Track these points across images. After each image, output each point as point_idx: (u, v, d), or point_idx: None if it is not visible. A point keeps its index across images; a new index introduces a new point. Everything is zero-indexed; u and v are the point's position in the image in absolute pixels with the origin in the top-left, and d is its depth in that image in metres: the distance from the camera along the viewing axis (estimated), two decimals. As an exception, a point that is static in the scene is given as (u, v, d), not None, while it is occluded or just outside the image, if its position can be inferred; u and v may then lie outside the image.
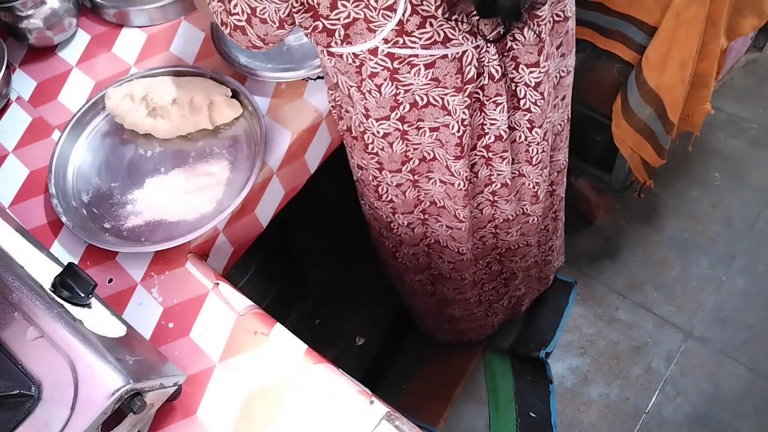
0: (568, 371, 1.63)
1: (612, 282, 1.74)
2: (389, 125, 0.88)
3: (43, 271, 0.79)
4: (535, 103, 0.91)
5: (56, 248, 0.96)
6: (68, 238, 0.97)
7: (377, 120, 0.87)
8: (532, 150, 0.99)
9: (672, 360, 1.61)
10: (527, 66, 0.85)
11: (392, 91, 0.82)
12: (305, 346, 0.84)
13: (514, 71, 0.86)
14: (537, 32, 0.82)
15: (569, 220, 1.45)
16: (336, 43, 0.76)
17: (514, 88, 0.88)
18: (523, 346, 1.67)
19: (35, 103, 1.13)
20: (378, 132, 0.90)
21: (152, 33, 1.19)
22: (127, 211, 0.98)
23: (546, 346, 1.63)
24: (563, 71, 0.96)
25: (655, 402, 1.56)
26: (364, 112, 0.87)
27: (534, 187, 1.07)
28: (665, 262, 1.76)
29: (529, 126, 0.94)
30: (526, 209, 1.13)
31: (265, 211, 1.03)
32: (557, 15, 0.85)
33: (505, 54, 0.84)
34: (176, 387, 0.78)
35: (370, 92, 0.82)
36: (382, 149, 0.94)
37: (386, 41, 0.75)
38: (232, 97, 1.04)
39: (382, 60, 0.77)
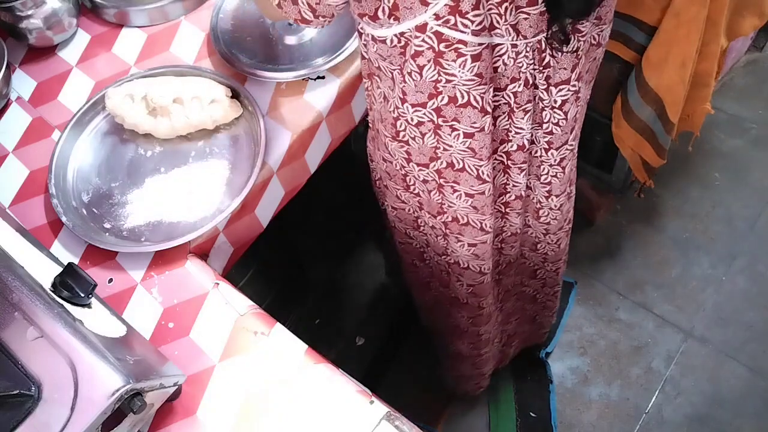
0: (568, 371, 1.63)
1: (612, 282, 1.74)
2: (424, 114, 0.84)
3: (43, 271, 0.79)
4: (557, 123, 0.89)
5: (56, 248, 0.96)
6: (68, 238, 0.97)
7: (413, 105, 0.84)
8: (543, 169, 0.98)
9: (672, 360, 1.61)
10: (556, 85, 0.84)
11: (434, 76, 0.78)
12: (305, 346, 0.84)
13: (544, 92, 0.84)
14: (576, 47, 0.80)
15: (569, 219, 1.45)
16: (381, 15, 0.72)
17: (540, 110, 0.87)
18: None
19: (35, 103, 1.13)
20: (412, 119, 0.86)
21: (152, 33, 1.19)
22: (127, 211, 0.98)
23: (546, 346, 1.63)
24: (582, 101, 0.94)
25: (655, 402, 1.56)
26: (402, 96, 0.84)
27: (537, 204, 1.05)
28: (665, 262, 1.76)
29: (546, 147, 0.93)
30: (528, 221, 1.11)
31: (265, 211, 1.03)
32: (593, 38, 0.84)
33: (541, 70, 0.82)
34: (176, 387, 0.78)
35: (410, 74, 0.79)
36: (414, 138, 0.90)
37: (437, 17, 0.71)
38: (232, 97, 1.04)
39: (429, 38, 0.73)
